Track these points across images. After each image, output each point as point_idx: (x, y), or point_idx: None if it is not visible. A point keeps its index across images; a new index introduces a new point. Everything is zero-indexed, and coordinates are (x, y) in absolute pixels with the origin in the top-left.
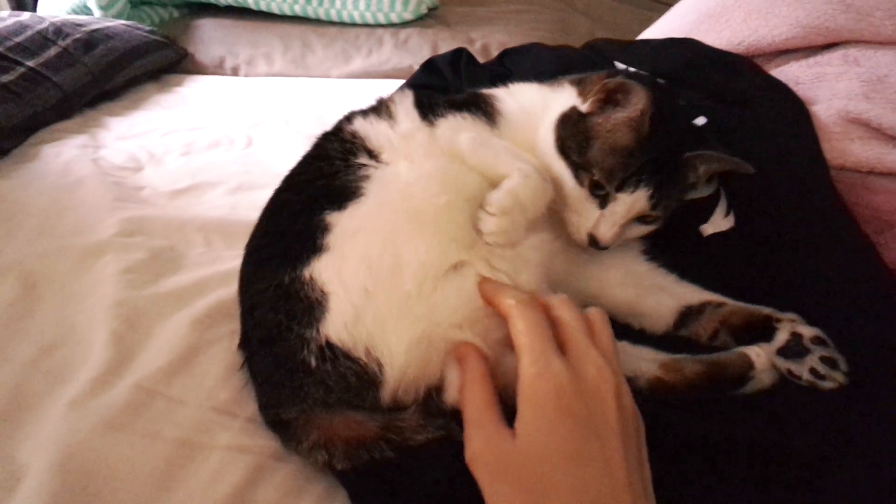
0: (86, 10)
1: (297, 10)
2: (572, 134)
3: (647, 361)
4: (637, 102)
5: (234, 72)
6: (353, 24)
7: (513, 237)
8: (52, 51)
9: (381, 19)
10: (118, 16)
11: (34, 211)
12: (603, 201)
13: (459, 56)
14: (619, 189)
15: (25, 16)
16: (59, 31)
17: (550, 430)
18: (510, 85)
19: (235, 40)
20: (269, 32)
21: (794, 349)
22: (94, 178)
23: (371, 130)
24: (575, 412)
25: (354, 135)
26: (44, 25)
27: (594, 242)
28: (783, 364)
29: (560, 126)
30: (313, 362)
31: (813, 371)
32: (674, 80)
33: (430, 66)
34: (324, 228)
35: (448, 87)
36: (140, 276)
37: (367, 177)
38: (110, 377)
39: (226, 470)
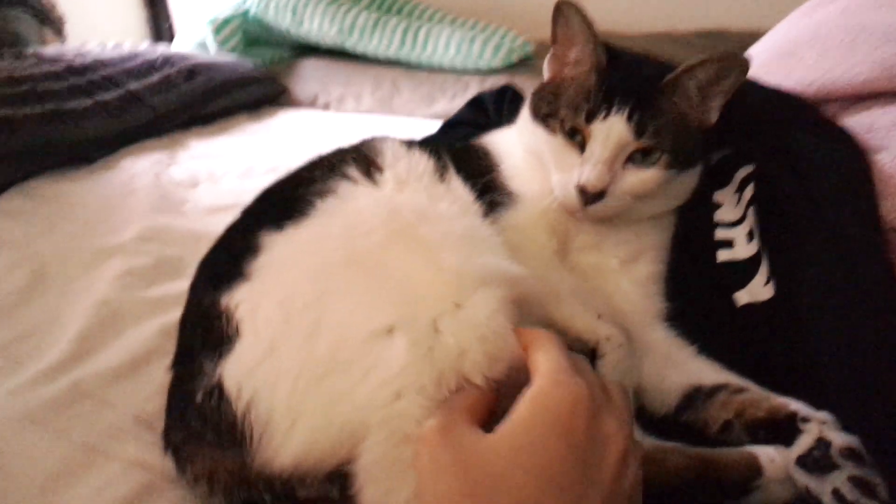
0: (208, 46)
1: (391, 54)
2: (541, 97)
3: None
4: (579, 30)
5: (326, 107)
6: (443, 69)
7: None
8: (155, 77)
9: (470, 66)
10: (233, 52)
11: (84, 213)
12: (583, 145)
13: (505, 93)
14: (590, 119)
15: (142, 47)
16: (168, 61)
17: (541, 439)
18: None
19: (330, 79)
20: (363, 74)
21: (817, 460)
22: (147, 190)
23: (390, 148)
24: (576, 439)
25: (371, 148)
26: (154, 56)
27: (584, 193)
28: (801, 478)
29: (532, 98)
30: (199, 398)
31: (837, 494)
32: (725, 123)
33: (475, 102)
34: (254, 249)
35: (490, 124)
36: (136, 280)
37: (331, 192)
38: (57, 371)
39: (117, 483)
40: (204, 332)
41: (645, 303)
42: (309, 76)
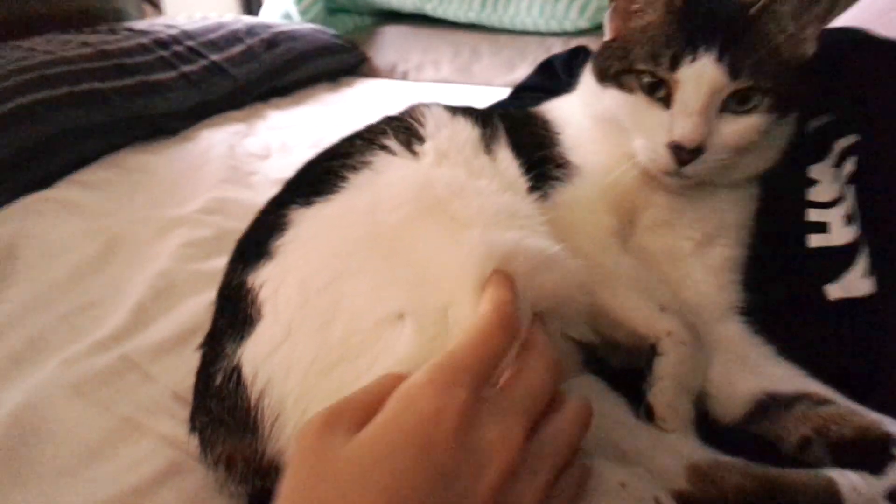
0: (291, 16)
1: (472, 16)
2: (608, 56)
3: (671, 455)
4: None
5: (404, 76)
6: (525, 33)
7: (682, 417)
8: (238, 48)
9: (555, 27)
10: (314, 21)
11: (158, 184)
12: (667, 100)
13: (577, 55)
14: (674, 67)
15: (227, 18)
16: (250, 31)
17: (394, 451)
18: None
19: (410, 46)
20: (442, 40)
21: None
22: (220, 161)
23: (434, 116)
24: (438, 453)
25: (415, 116)
26: (238, 26)
27: (679, 151)
28: None
29: (597, 59)
30: (219, 380)
31: None
32: (831, 72)
33: (546, 66)
34: (282, 226)
35: (561, 89)
36: (195, 252)
37: (366, 164)
38: (111, 342)
39: (148, 459)
40: (231, 312)
41: (718, 293)
42: (388, 44)
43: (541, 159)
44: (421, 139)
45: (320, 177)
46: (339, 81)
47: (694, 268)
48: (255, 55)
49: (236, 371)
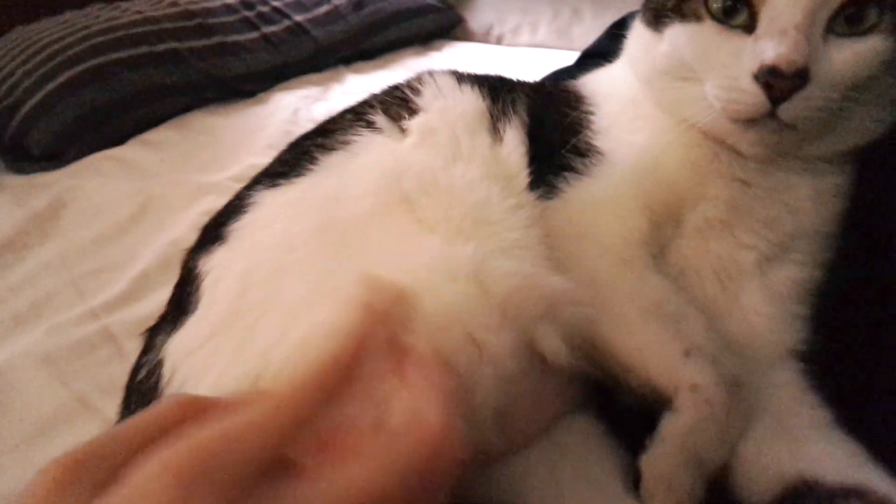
0: None
1: None
2: None
3: None
4: None
5: (498, 41)
6: None
7: (678, 499)
8: (324, 8)
9: None
10: None
11: (218, 147)
12: (750, 25)
13: None
14: None
15: None
16: None
17: None
18: None
19: (508, 7)
20: (542, 0)
21: None
22: (278, 126)
23: (435, 85)
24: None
25: (416, 86)
26: None
27: (775, 78)
28: None
29: (645, 5)
30: (143, 373)
31: None
32: None
33: (618, 27)
34: (242, 208)
35: None
36: None
37: (345, 144)
38: (101, 311)
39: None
40: (177, 297)
41: (777, 328)
42: (486, 4)
43: (560, 145)
44: (414, 112)
45: (297, 156)
46: (429, 45)
47: (750, 290)
48: (340, 16)
49: (159, 366)
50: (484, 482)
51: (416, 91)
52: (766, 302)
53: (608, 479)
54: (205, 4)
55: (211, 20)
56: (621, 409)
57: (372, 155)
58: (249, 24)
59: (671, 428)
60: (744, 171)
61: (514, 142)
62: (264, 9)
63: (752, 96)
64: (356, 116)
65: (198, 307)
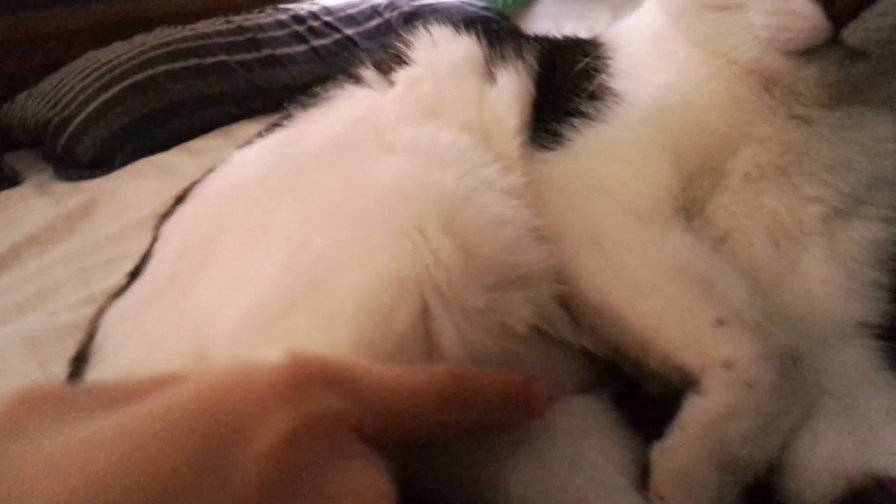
0: None
1: None
2: None
3: None
4: None
5: None
6: None
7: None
8: (375, 22)
9: None
10: None
11: None
12: None
13: None
14: None
15: None
16: (392, 4)
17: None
18: None
19: (566, 13)
20: (603, 3)
21: None
22: None
23: (431, 35)
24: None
25: (413, 37)
26: (381, 0)
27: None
28: None
29: None
30: (86, 341)
31: None
32: None
33: None
34: (213, 169)
35: None
36: None
37: (323, 99)
38: (100, 298)
39: None
40: (140, 262)
41: (846, 298)
42: (544, 13)
43: (570, 91)
44: (405, 63)
45: (282, 119)
46: None
47: (813, 253)
48: (391, 28)
49: (94, 333)
50: (462, 458)
51: (410, 44)
52: (832, 267)
53: (609, 468)
54: (258, 21)
55: (262, 35)
56: (645, 398)
57: (347, 104)
58: (299, 38)
59: (695, 413)
60: (804, 106)
61: (507, 86)
62: (315, 23)
63: (809, 19)
64: (346, 75)
65: (142, 272)
